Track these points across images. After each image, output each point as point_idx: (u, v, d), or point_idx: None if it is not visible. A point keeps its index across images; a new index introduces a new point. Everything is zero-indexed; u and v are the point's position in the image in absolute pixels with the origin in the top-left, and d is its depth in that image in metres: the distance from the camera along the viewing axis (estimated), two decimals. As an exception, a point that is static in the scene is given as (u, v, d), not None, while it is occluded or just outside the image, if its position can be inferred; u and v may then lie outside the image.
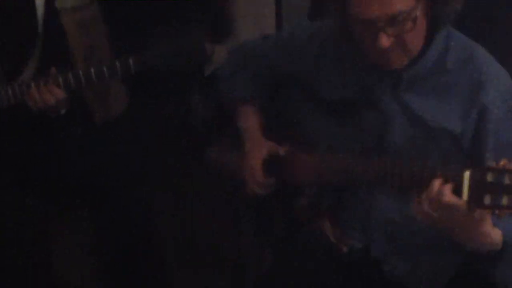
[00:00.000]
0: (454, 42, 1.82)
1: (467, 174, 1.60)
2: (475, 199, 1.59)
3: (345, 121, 1.90)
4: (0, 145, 2.35)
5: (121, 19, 2.64)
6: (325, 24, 1.92)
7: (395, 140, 1.83)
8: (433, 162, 1.71)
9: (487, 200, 1.57)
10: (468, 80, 1.79)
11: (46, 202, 2.41)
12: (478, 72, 1.78)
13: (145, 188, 2.42)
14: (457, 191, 1.61)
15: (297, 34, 2.03)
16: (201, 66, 2.16)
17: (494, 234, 1.68)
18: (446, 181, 1.63)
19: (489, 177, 1.57)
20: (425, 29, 1.77)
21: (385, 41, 1.71)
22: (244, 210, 2.21)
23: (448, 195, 1.61)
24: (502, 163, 1.57)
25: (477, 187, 1.58)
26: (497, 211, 1.57)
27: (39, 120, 2.27)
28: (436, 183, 1.63)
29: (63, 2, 2.38)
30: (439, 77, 1.81)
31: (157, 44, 2.12)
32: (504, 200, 1.55)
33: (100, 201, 2.35)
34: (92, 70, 2.15)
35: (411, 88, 1.82)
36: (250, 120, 2.09)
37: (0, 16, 2.25)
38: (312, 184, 1.97)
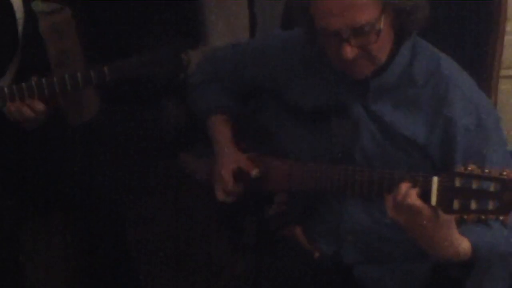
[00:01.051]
0: (421, 53, 1.83)
1: (435, 179, 1.62)
2: (444, 204, 1.61)
3: (317, 129, 1.92)
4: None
5: (95, 27, 2.64)
6: (297, 33, 1.93)
7: (364, 148, 1.85)
8: (401, 170, 1.73)
9: (456, 205, 1.59)
10: (434, 92, 1.80)
11: (18, 204, 2.38)
12: (443, 84, 1.80)
13: (119, 192, 2.42)
14: (426, 197, 1.63)
15: (270, 43, 2.05)
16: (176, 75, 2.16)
17: (461, 243, 1.68)
18: (414, 186, 1.65)
19: (458, 182, 1.59)
20: (391, 39, 1.79)
21: (349, 52, 1.73)
22: (216, 218, 2.21)
23: (413, 198, 1.63)
24: (470, 168, 1.59)
25: (446, 192, 1.60)
26: (465, 216, 1.59)
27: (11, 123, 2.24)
28: (404, 186, 1.65)
29: (37, 6, 2.36)
30: (406, 88, 1.82)
31: (132, 53, 2.11)
32: (473, 205, 1.57)
33: (73, 205, 2.33)
34: (67, 77, 2.10)
35: (379, 97, 1.84)
36: (221, 131, 2.08)
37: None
38: (283, 191, 1.98)
